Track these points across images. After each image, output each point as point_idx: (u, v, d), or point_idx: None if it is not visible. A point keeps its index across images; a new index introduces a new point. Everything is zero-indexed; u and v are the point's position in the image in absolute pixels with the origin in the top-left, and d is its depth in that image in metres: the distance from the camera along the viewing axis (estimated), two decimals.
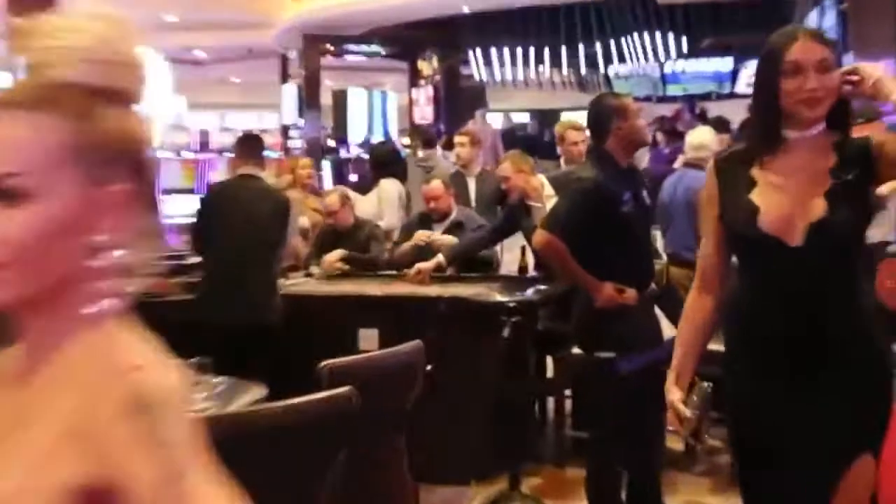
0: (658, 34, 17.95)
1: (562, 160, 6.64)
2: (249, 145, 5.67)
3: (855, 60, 9.13)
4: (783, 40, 2.40)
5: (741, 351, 2.56)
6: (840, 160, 2.41)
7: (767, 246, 2.41)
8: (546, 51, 19.73)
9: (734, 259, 2.65)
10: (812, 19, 12.58)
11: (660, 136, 13.69)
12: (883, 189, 6.20)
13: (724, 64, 18.80)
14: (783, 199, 2.40)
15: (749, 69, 18.40)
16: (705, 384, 2.57)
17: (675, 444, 4.85)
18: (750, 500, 2.62)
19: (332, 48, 19.18)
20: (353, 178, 13.92)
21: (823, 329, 2.41)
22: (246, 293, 5.03)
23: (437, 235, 5.83)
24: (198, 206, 5.62)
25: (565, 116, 16.41)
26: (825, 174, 2.41)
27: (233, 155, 6.07)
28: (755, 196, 2.42)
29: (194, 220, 5.54)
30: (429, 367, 3.42)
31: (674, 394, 2.56)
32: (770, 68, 2.40)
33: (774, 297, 2.47)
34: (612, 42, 18.76)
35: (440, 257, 5.62)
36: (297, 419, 2.39)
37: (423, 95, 19.69)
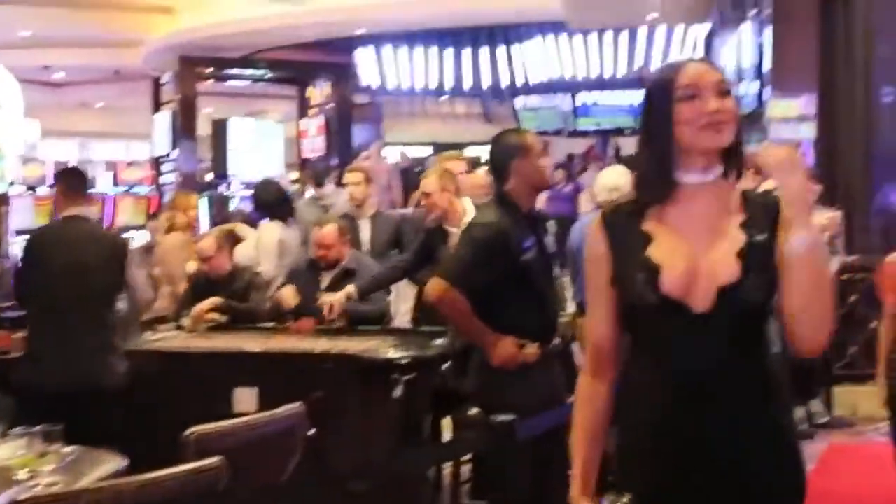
0: (570, 64, 18.27)
1: None
2: (72, 181, 5.36)
3: (774, 95, 9.53)
4: (672, 68, 2.34)
5: (644, 443, 2.33)
6: (750, 216, 2.29)
7: (667, 312, 2.24)
8: (452, 79, 19.93)
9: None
10: (733, 51, 13.00)
11: (558, 174, 13.84)
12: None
13: (642, 96, 19.18)
14: (687, 257, 2.25)
15: None
16: (625, 500, 2.36)
17: None
18: None
19: (211, 72, 18.97)
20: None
21: (735, 414, 2.26)
22: (73, 353, 4.85)
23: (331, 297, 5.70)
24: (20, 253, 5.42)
25: (470, 151, 16.63)
26: (735, 230, 2.27)
27: (54, 193, 5.76)
28: (653, 253, 2.27)
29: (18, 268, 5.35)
30: (311, 432, 3.41)
31: None
32: (662, 98, 2.28)
33: (673, 373, 2.28)
34: (521, 71, 19.03)
35: (350, 288, 5.60)
36: (156, 495, 2.36)
37: (314, 126, 19.60)
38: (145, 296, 5.46)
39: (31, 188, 12.53)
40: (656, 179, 2.30)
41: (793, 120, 9.39)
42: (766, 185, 6.28)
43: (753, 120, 11.35)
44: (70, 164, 8.40)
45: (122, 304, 5.18)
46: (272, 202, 7.81)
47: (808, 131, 9.18)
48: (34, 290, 5.06)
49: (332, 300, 5.54)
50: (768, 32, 10.02)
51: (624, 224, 2.34)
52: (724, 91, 2.26)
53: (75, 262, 4.94)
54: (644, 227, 2.30)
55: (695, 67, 2.29)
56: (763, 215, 2.28)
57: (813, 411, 7.32)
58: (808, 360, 7.05)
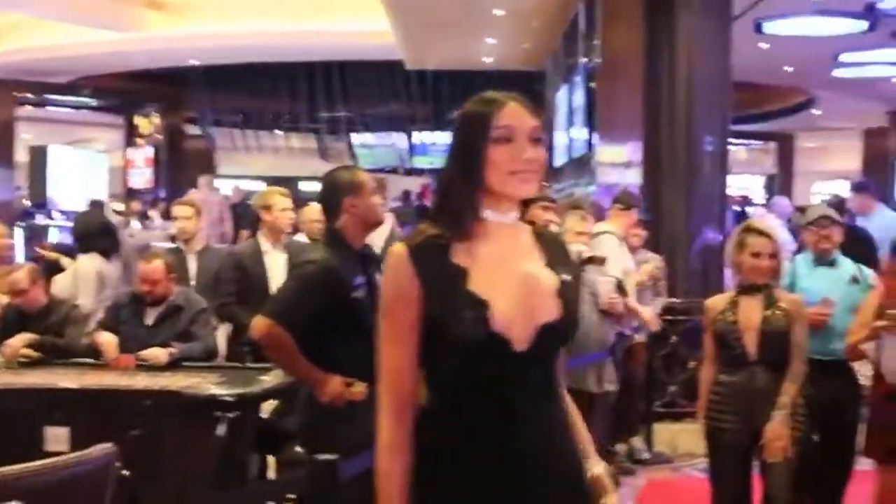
0: (406, 103, 18.49)
1: None
2: None
3: (601, 141, 9.81)
4: (491, 105, 2.27)
5: (463, 492, 2.26)
6: (550, 255, 2.34)
7: (492, 349, 2.19)
8: (287, 113, 19.91)
9: None
10: (564, 97, 13.35)
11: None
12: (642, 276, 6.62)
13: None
14: (508, 294, 2.22)
15: None
16: None
17: None
18: None
19: (30, 97, 18.46)
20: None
21: (551, 451, 2.28)
22: None
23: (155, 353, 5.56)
24: None
25: (304, 186, 16.58)
26: (543, 269, 2.30)
27: None
28: (475, 288, 2.21)
29: None
30: (126, 473, 3.32)
31: None
32: (475, 135, 2.23)
33: (503, 418, 2.23)
34: (357, 109, 19.16)
35: (174, 350, 5.48)
36: None
37: (142, 156, 19.33)
38: None
39: None
40: (465, 215, 2.26)
41: (620, 165, 9.65)
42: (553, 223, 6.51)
43: (583, 164, 11.68)
44: None
45: None
46: (93, 233, 7.59)
47: (634, 177, 9.46)
48: None
49: (155, 359, 5.43)
50: (597, 80, 10.31)
51: (432, 257, 2.25)
52: (537, 138, 2.26)
53: None
54: (455, 262, 2.24)
55: (513, 109, 2.26)
56: (560, 255, 2.38)
57: (634, 447, 7.48)
58: (630, 399, 7.27)
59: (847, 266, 5.49)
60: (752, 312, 4.58)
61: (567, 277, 2.30)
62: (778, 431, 4.41)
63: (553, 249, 2.36)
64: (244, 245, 6.68)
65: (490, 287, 2.21)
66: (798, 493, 4.59)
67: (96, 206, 13.59)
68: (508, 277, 2.25)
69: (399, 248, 2.28)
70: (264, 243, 6.30)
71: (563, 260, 2.37)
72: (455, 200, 2.28)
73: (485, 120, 2.23)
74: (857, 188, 10.88)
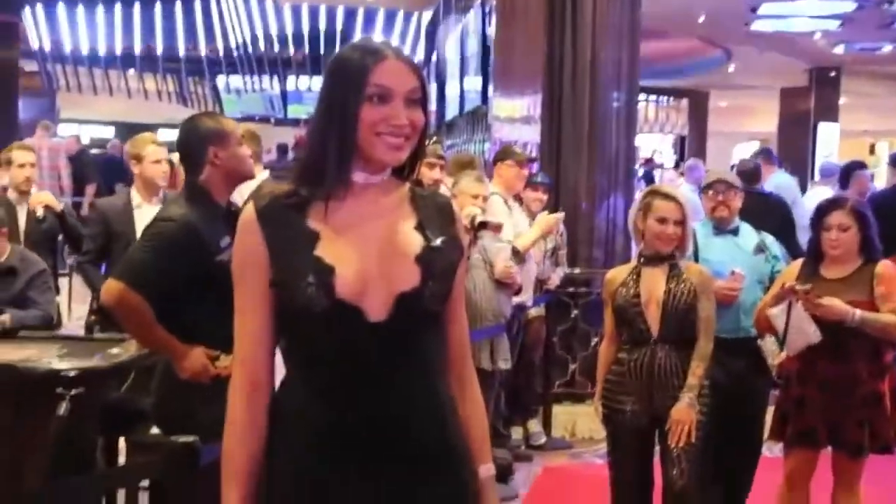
0: (279, 43, 18.32)
1: None
2: None
3: (497, 94, 9.85)
4: (368, 57, 2.26)
5: (311, 465, 2.27)
6: (421, 217, 2.34)
7: (342, 319, 2.22)
8: (137, 47, 19.62)
9: None
10: (456, 42, 13.35)
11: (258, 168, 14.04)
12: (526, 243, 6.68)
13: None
14: (362, 260, 2.25)
15: None
16: None
17: None
18: None
19: None
20: None
21: (410, 430, 2.28)
22: None
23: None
24: None
25: (162, 134, 16.37)
26: (411, 232, 2.31)
27: None
28: (324, 253, 2.23)
29: None
30: None
31: None
32: (349, 90, 2.24)
33: (348, 391, 2.25)
34: (223, 46, 18.93)
35: (5, 317, 5.42)
36: None
37: None
38: None
39: None
40: (329, 173, 2.26)
41: (518, 121, 9.71)
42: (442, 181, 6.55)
43: (477, 118, 11.72)
44: None
45: None
46: None
47: (533, 134, 9.52)
48: None
49: None
50: (494, 25, 10.32)
51: (283, 219, 2.28)
52: (415, 100, 2.27)
53: None
54: (309, 225, 2.26)
55: (392, 66, 2.25)
56: (437, 217, 2.36)
57: (531, 431, 7.61)
58: (526, 378, 7.38)
59: (750, 235, 5.64)
60: (654, 285, 4.64)
61: (438, 242, 2.29)
62: (683, 415, 4.48)
63: (430, 211, 2.36)
64: (113, 198, 6.52)
65: (342, 252, 2.23)
66: (702, 480, 4.69)
67: None
68: (364, 241, 2.27)
69: (248, 209, 2.30)
70: (136, 197, 6.11)
71: (441, 223, 2.35)
72: (320, 158, 2.27)
73: (360, 75, 2.23)
74: (758, 153, 11.21)
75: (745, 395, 5.40)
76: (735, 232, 5.61)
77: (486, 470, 2.42)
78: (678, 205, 4.68)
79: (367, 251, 2.25)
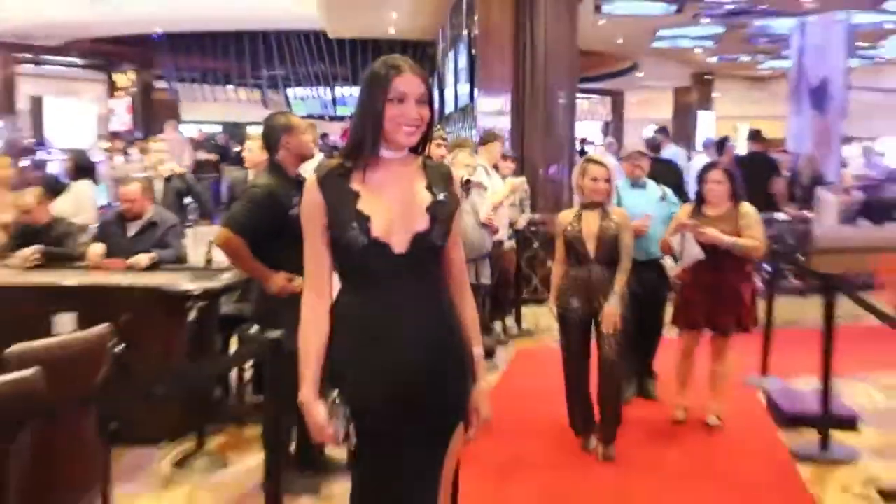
0: (329, 64, 18.22)
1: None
2: None
3: (480, 96, 9.80)
4: (390, 71, 2.26)
5: (357, 350, 2.29)
6: (429, 180, 2.34)
7: (377, 253, 2.24)
8: (235, 73, 19.48)
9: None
10: (451, 60, 13.24)
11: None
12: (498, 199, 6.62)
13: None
14: (390, 211, 2.27)
15: None
16: (335, 392, 2.28)
17: None
18: (371, 478, 2.35)
19: (28, 56, 17.73)
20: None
21: (424, 323, 2.29)
22: None
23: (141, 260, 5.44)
24: None
25: (250, 129, 16.27)
26: (423, 190, 2.32)
27: None
28: (363, 206, 2.26)
29: None
30: (119, 348, 3.29)
31: (316, 410, 2.27)
32: (377, 94, 2.24)
33: (381, 299, 2.27)
34: (292, 67, 18.82)
35: (154, 255, 5.42)
36: None
37: (121, 106, 18.83)
38: None
39: None
40: (364, 150, 2.27)
41: (494, 113, 9.66)
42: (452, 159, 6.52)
43: (466, 112, 11.64)
44: None
45: None
46: (86, 166, 7.50)
47: (505, 122, 9.49)
48: None
49: (137, 264, 5.33)
50: (477, 48, 10.23)
51: (334, 184, 2.29)
52: (424, 99, 2.26)
53: None
54: (352, 186, 2.27)
55: (407, 78, 2.25)
56: (440, 180, 2.34)
57: (507, 325, 7.61)
58: (503, 289, 7.39)
59: (654, 188, 5.64)
60: (591, 224, 4.58)
61: (441, 197, 2.31)
62: (612, 311, 4.48)
63: (435, 176, 2.35)
64: (237, 173, 6.41)
65: (375, 205, 2.25)
66: (624, 352, 4.69)
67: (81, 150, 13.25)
68: (390, 198, 2.27)
69: (311, 178, 2.32)
70: (249, 174, 5.98)
71: (443, 184, 2.34)
72: (359, 140, 2.27)
73: (385, 83, 2.23)
74: (658, 131, 11.18)
75: (652, 296, 5.42)
76: (644, 186, 5.62)
77: (478, 349, 2.41)
78: (606, 168, 4.62)
79: (392, 205, 2.26)
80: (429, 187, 2.31)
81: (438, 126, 10.50)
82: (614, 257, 4.56)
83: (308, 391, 2.29)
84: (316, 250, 2.31)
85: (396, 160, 2.31)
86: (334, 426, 2.25)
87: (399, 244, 2.24)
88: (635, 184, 5.61)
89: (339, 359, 2.30)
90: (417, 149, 2.35)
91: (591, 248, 4.57)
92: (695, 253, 5.00)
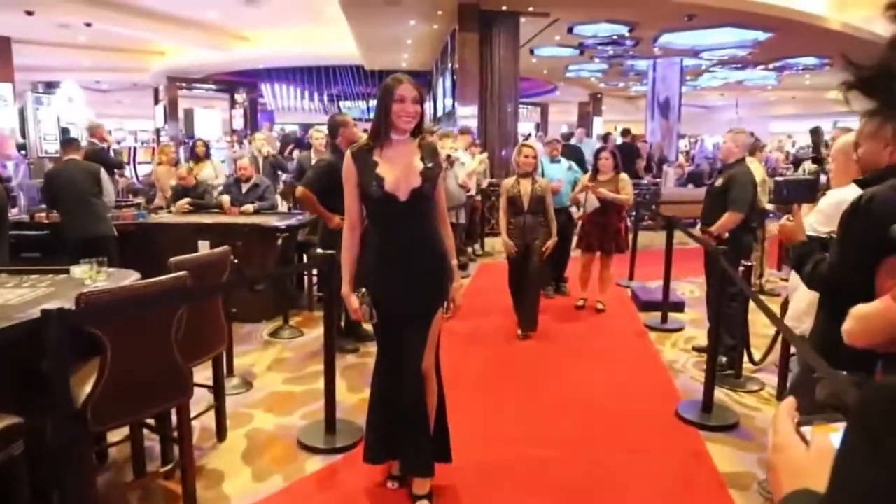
0: (367, 86, 17.75)
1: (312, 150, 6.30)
2: (69, 143, 4.67)
3: (459, 105, 9.61)
4: (395, 82, 2.16)
5: (377, 261, 2.22)
6: (422, 154, 2.22)
7: (388, 200, 2.16)
8: (307, 92, 18.99)
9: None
10: (441, 83, 12.93)
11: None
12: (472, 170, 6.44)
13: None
14: (397, 174, 2.17)
15: None
16: (363, 289, 2.23)
17: None
18: (386, 343, 2.32)
19: (184, 85, 17.37)
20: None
21: (419, 244, 2.21)
22: (85, 218, 4.34)
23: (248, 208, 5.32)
24: (44, 178, 4.57)
25: (316, 128, 15.93)
26: (418, 161, 2.20)
27: (63, 149, 4.67)
28: (380, 171, 2.17)
29: (45, 185, 4.53)
30: (235, 261, 3.25)
31: (352, 299, 2.22)
32: (387, 97, 2.15)
33: (392, 229, 2.20)
34: (342, 88, 18.39)
35: (256, 205, 5.32)
36: (156, 289, 2.19)
37: (238, 113, 18.46)
38: (111, 196, 4.62)
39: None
40: (381, 135, 2.19)
41: (468, 117, 9.50)
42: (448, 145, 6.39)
43: (449, 115, 11.40)
44: (67, 136, 7.26)
45: (107, 198, 4.49)
46: (208, 150, 7.28)
47: (475, 122, 9.31)
48: (61, 193, 4.37)
49: (247, 210, 5.26)
50: (456, 76, 10.00)
51: (362, 156, 2.21)
52: (417, 100, 2.16)
53: (75, 179, 4.36)
54: (374, 158, 2.20)
55: (406, 86, 2.16)
56: (430, 154, 2.23)
57: (475, 249, 7.56)
58: (472, 226, 7.33)
59: (565, 163, 5.52)
60: (525, 187, 4.40)
61: (429, 165, 2.20)
62: (539, 245, 4.38)
63: (427, 151, 2.23)
64: (303, 155, 6.14)
65: (387, 170, 2.18)
66: (545, 268, 4.64)
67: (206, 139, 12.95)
68: (398, 166, 2.18)
69: (348, 153, 2.24)
70: (312, 154, 5.67)
71: (431, 157, 2.22)
72: (377, 128, 2.20)
73: (392, 90, 2.15)
74: (578, 126, 11.00)
75: (563, 231, 5.36)
76: (559, 161, 5.51)
77: (454, 261, 2.30)
78: (533, 149, 4.48)
79: (398, 170, 2.18)
80: (422, 159, 2.21)
81: (432, 124, 10.31)
82: (541, 209, 4.42)
83: (346, 287, 2.25)
84: (352, 200, 2.24)
85: (402, 141, 2.21)
86: (362, 310, 2.22)
87: (403, 195, 2.16)
88: (553, 160, 5.51)
89: (366, 268, 2.24)
90: (416, 133, 2.24)
91: (525, 203, 4.40)
92: (593, 203, 4.95)
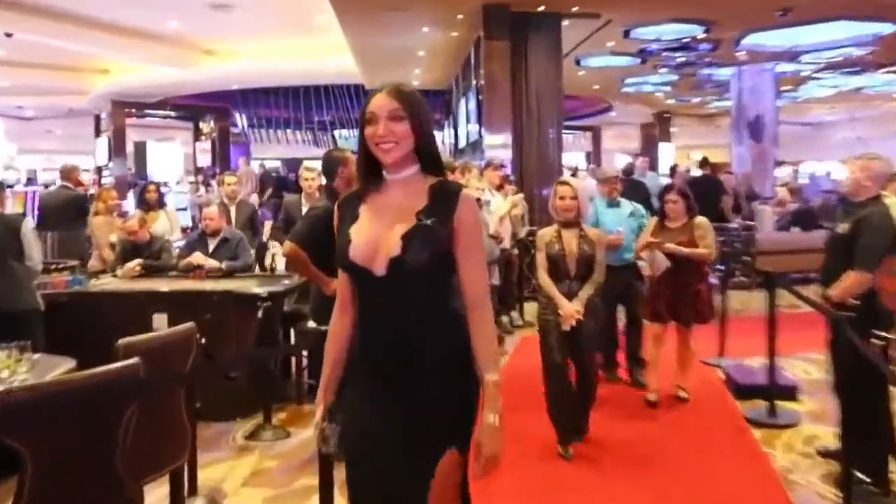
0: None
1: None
2: None
3: (486, 132, 9.79)
4: (368, 98, 1.91)
5: (354, 365, 1.95)
6: (431, 202, 1.87)
7: (359, 274, 1.88)
8: (292, 119, 19.56)
9: None
10: (463, 105, 13.22)
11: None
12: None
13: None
14: (371, 234, 1.87)
15: None
16: (332, 401, 1.99)
17: None
18: (355, 496, 1.94)
19: (134, 111, 17.98)
20: None
21: (406, 348, 1.84)
22: (1, 287, 4.25)
23: (209, 262, 5.43)
24: None
25: (305, 163, 16.35)
26: (409, 216, 1.86)
27: None
28: (353, 229, 1.90)
29: None
30: (203, 341, 3.25)
31: (318, 411, 1.98)
32: (361, 121, 1.90)
33: (368, 320, 1.91)
34: (338, 114, 18.87)
35: (223, 265, 5.42)
36: (96, 385, 2.18)
37: (205, 147, 19.03)
38: (37, 258, 4.55)
39: (10, 186, 11.47)
40: (362, 177, 1.95)
41: (498, 147, 9.65)
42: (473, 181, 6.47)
43: (475, 145, 11.59)
44: None
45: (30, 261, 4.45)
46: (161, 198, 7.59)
47: (507, 153, 9.47)
48: None
49: (213, 267, 5.38)
50: (483, 95, 10.22)
51: (350, 205, 1.96)
52: (397, 117, 1.84)
53: None
54: (359, 209, 1.94)
55: (377, 98, 1.87)
56: (442, 203, 1.87)
57: (512, 318, 7.52)
58: (508, 288, 7.32)
59: (626, 205, 5.48)
60: (571, 244, 4.12)
61: (427, 222, 1.84)
62: (571, 310, 4.03)
63: (438, 199, 1.87)
64: (292, 199, 6.23)
65: (364, 228, 1.89)
66: (595, 366, 4.39)
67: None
68: (381, 221, 1.88)
69: (339, 199, 2.04)
70: (302, 199, 5.72)
71: (442, 208, 1.86)
72: (360, 165, 1.95)
73: (363, 110, 1.89)
74: (640, 156, 11.16)
75: (628, 292, 5.33)
76: (618, 205, 5.48)
77: (490, 375, 1.84)
78: (571, 186, 4.20)
79: (378, 228, 1.87)
80: (422, 212, 1.86)
81: (452, 159, 10.46)
82: (590, 272, 4.13)
83: (320, 392, 2.01)
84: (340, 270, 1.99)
85: (398, 182, 1.91)
86: (319, 433, 1.98)
87: (379, 267, 1.84)
88: (611, 203, 5.50)
89: (348, 370, 1.98)
90: (433, 168, 1.93)
91: (571, 266, 4.10)
92: (662, 263, 4.91)
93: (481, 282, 1.91)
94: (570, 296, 4.10)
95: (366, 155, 1.90)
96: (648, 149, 22.20)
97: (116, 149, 17.25)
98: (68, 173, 7.91)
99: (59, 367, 2.92)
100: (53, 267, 5.44)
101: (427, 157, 1.91)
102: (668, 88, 17.04)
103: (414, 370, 1.84)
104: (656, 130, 23.00)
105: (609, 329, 5.22)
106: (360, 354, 1.92)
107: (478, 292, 1.89)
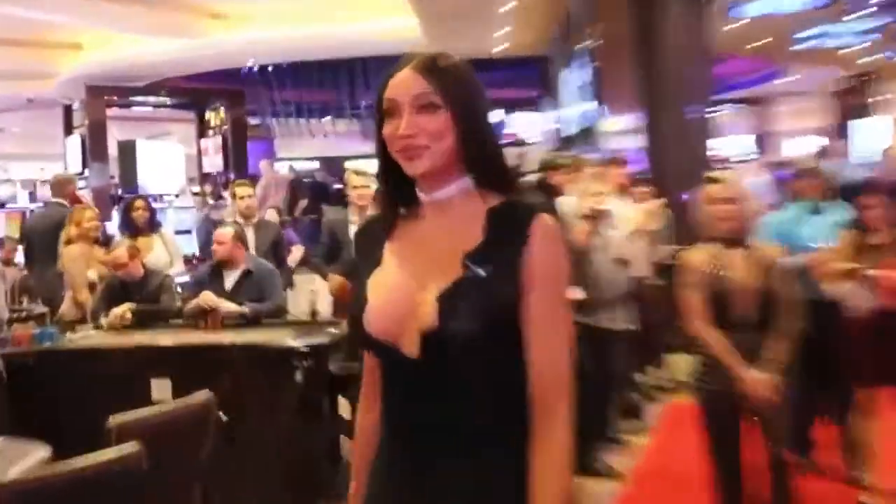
0: None
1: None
2: None
3: (605, 111, 9.74)
4: (387, 73, 1.68)
5: (371, 485, 1.80)
6: (488, 238, 1.63)
7: (381, 352, 1.68)
8: (329, 103, 19.94)
9: None
10: (569, 77, 13.18)
11: None
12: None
13: (492, 116, 19.94)
14: (397, 290, 1.65)
15: (512, 121, 19.41)
16: None
17: None
18: None
19: (116, 99, 18.54)
20: None
21: (442, 466, 1.64)
22: None
23: (225, 304, 5.53)
24: None
25: (349, 164, 16.60)
26: (457, 261, 1.62)
27: None
28: (372, 282, 1.69)
29: None
30: (224, 419, 3.29)
31: None
32: (377, 111, 1.68)
33: (392, 420, 1.72)
34: None
35: (245, 308, 5.48)
36: (79, 483, 2.22)
37: (212, 145, 19.40)
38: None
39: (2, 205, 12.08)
40: (385, 199, 1.76)
41: (620, 134, 9.59)
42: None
43: (586, 133, 11.57)
44: None
45: None
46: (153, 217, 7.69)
47: (633, 142, 9.37)
48: None
49: (229, 310, 5.48)
50: (599, 61, 10.20)
51: (370, 241, 1.77)
52: (428, 105, 1.62)
53: None
54: (385, 247, 1.73)
55: (398, 79, 1.65)
56: (508, 236, 1.64)
57: (656, 376, 7.42)
58: (646, 334, 7.19)
59: (834, 210, 5.22)
60: (738, 267, 3.82)
61: (481, 272, 1.60)
62: (758, 381, 3.74)
63: (501, 230, 1.64)
64: (338, 216, 6.32)
65: (386, 281, 1.69)
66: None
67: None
68: (412, 270, 1.67)
69: (358, 229, 1.89)
70: (350, 214, 5.95)
71: (505, 249, 1.62)
72: (381, 183, 1.76)
73: (381, 91, 1.67)
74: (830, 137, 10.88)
75: (824, 338, 5.04)
76: (821, 210, 5.28)
77: None
78: (724, 184, 3.90)
79: (407, 282, 1.65)
80: (473, 254, 1.63)
81: (551, 156, 10.43)
82: (771, 318, 3.79)
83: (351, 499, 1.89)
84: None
85: (436, 206, 1.70)
86: None
87: (409, 345, 1.61)
88: (814, 207, 5.32)
89: (368, 486, 1.82)
90: (495, 181, 1.70)
91: (745, 305, 3.80)
92: (865, 299, 4.69)
93: (559, 369, 1.66)
94: (748, 356, 3.77)
95: (386, 165, 1.70)
96: (841, 128, 21.66)
97: (94, 151, 17.69)
98: (61, 187, 7.99)
99: (29, 457, 2.98)
100: (16, 316, 5.64)
101: (482, 164, 1.69)
102: (866, 42, 16.68)
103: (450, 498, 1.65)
104: (850, 101, 22.43)
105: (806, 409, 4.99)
106: (378, 465, 1.78)
107: (550, 386, 1.64)
